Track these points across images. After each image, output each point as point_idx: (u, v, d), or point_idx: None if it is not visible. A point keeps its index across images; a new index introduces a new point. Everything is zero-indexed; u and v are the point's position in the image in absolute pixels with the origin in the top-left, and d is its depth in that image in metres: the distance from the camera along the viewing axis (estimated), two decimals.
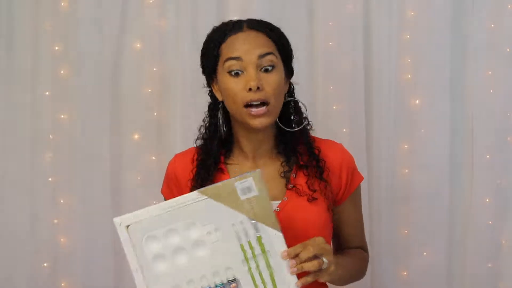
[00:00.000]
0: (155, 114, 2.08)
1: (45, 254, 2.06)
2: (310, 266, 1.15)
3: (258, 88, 1.28)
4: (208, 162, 1.38)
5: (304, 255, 1.15)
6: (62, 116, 2.06)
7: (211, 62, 1.36)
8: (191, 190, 1.32)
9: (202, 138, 1.42)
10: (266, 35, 1.34)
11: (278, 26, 1.39)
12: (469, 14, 2.14)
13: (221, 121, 1.39)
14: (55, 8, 2.04)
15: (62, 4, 2.04)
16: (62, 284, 2.07)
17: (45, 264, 2.06)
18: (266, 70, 1.31)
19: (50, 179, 2.06)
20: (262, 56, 1.30)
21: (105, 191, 2.04)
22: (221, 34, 1.34)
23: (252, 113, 1.30)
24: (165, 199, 1.41)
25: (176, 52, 2.05)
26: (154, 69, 2.07)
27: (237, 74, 1.31)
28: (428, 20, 2.13)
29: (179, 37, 2.05)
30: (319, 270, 1.17)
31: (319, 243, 1.17)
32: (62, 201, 2.07)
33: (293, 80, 1.44)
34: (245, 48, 1.30)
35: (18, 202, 2.03)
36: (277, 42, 1.36)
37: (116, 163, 2.06)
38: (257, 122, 1.31)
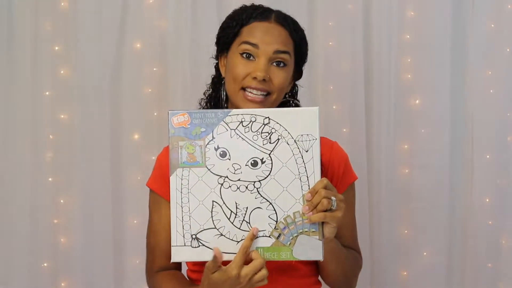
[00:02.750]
0: (155, 114, 2.08)
1: (45, 254, 2.06)
2: (321, 208, 1.13)
3: (264, 80, 1.28)
4: None
5: (316, 200, 1.13)
6: (62, 116, 2.06)
7: (227, 38, 1.35)
8: None
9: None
10: (289, 33, 1.34)
11: (302, 28, 1.39)
12: (469, 14, 2.14)
13: (224, 97, 1.38)
14: (55, 8, 2.03)
15: (62, 4, 2.04)
16: (62, 284, 2.07)
17: (45, 264, 2.06)
18: (278, 64, 1.31)
19: (50, 179, 2.06)
20: (278, 52, 1.30)
21: (105, 191, 2.04)
22: (247, 16, 1.34)
23: (248, 97, 1.29)
24: (154, 193, 1.39)
25: (176, 52, 2.05)
26: (154, 69, 2.07)
27: (248, 57, 1.30)
28: (428, 20, 2.13)
29: (179, 37, 2.05)
30: (330, 210, 1.13)
31: (328, 184, 1.15)
32: (62, 201, 2.06)
33: (298, 86, 1.44)
34: (265, 39, 1.30)
35: (18, 202, 2.03)
36: (297, 43, 1.36)
37: (116, 163, 2.06)
38: (249, 107, 1.29)
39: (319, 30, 2.10)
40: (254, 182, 1.16)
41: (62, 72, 2.05)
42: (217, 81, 1.42)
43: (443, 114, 2.14)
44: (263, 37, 1.30)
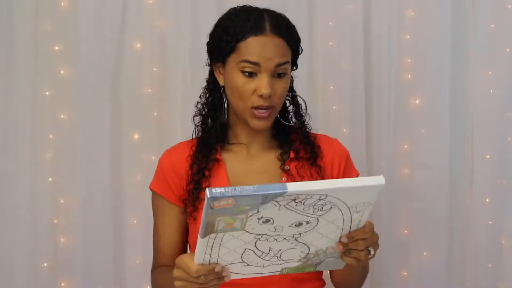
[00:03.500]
0: (155, 114, 2.08)
1: (45, 254, 2.06)
2: (357, 256, 1.10)
3: (269, 96, 1.29)
4: (210, 139, 1.38)
5: (352, 246, 1.09)
6: (62, 116, 2.06)
7: (223, 51, 1.33)
8: (191, 167, 1.35)
9: (201, 114, 1.42)
10: (286, 42, 1.32)
11: (293, 24, 1.39)
12: (469, 14, 2.14)
13: (226, 106, 1.39)
14: (55, 8, 2.03)
15: (62, 4, 2.04)
16: (62, 284, 2.07)
17: (45, 264, 2.06)
18: (279, 76, 1.31)
19: (50, 179, 2.06)
20: (279, 65, 1.30)
21: (105, 191, 2.04)
22: (242, 30, 1.30)
23: (257, 114, 1.31)
24: (158, 196, 1.40)
25: (176, 52, 2.05)
26: (154, 69, 2.07)
27: (250, 75, 1.30)
28: (428, 20, 2.13)
29: (179, 37, 2.05)
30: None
31: (370, 233, 1.09)
32: (62, 201, 2.06)
33: (293, 76, 1.45)
34: (265, 56, 1.29)
35: (18, 202, 2.03)
36: (293, 48, 1.36)
37: (116, 163, 2.06)
38: (258, 124, 1.32)
39: (319, 30, 2.10)
40: (294, 235, 1.06)
41: (62, 72, 2.05)
42: (214, 88, 1.41)
43: (443, 114, 2.14)
44: (262, 53, 1.29)
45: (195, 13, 2.05)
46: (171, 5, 2.05)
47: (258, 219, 1.00)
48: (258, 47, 1.29)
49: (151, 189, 1.44)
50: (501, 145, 2.18)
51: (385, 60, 2.11)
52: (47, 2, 2.03)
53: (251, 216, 0.99)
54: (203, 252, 1.05)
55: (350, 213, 1.05)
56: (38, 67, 2.03)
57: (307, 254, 1.11)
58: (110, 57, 2.04)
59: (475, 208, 2.16)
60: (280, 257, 1.10)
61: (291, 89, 1.44)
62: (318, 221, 1.04)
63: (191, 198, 1.36)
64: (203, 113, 1.42)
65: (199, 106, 1.43)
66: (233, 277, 1.12)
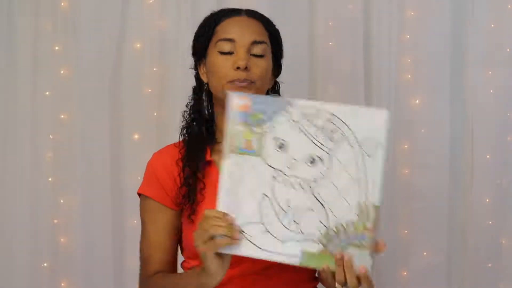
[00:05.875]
0: (155, 114, 2.08)
1: (45, 254, 2.06)
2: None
3: (246, 68, 1.28)
4: (197, 143, 1.36)
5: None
6: (62, 116, 2.06)
7: (203, 42, 1.36)
8: (182, 170, 1.32)
9: (187, 122, 1.40)
10: (263, 24, 1.34)
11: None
12: (469, 14, 2.14)
13: (205, 103, 1.39)
14: (55, 8, 2.03)
15: (62, 4, 2.04)
16: (62, 284, 2.07)
17: (45, 264, 2.06)
18: (256, 56, 1.31)
19: (50, 179, 2.06)
20: (255, 42, 1.30)
21: (105, 191, 2.04)
22: (218, 16, 1.35)
23: (236, 84, 1.28)
24: (150, 200, 1.38)
25: (176, 52, 2.05)
26: (154, 69, 2.07)
27: (227, 54, 1.30)
28: (428, 20, 2.13)
29: (179, 37, 2.05)
30: None
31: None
32: (62, 201, 2.06)
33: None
34: (239, 31, 1.30)
35: (18, 202, 2.03)
36: (272, 35, 1.36)
37: (116, 163, 2.06)
38: None
39: (319, 30, 2.10)
40: (310, 181, 1.09)
41: (62, 72, 2.05)
42: (199, 90, 1.41)
43: (443, 114, 2.14)
44: (238, 31, 1.30)
45: (195, 13, 2.04)
46: (171, 5, 2.05)
47: (274, 139, 1.10)
48: (234, 26, 1.32)
49: (141, 194, 1.40)
50: (501, 145, 2.18)
51: (385, 60, 2.11)
52: (47, 2, 2.03)
53: (267, 133, 1.10)
54: (224, 188, 1.11)
55: (362, 154, 1.07)
56: (38, 67, 2.03)
57: (327, 229, 1.08)
58: (110, 58, 2.04)
59: (475, 208, 2.16)
60: (299, 224, 1.09)
61: (277, 93, 1.42)
62: (331, 161, 1.08)
63: (188, 202, 1.32)
64: (189, 117, 1.41)
65: (186, 115, 1.42)
66: (246, 249, 1.09)
